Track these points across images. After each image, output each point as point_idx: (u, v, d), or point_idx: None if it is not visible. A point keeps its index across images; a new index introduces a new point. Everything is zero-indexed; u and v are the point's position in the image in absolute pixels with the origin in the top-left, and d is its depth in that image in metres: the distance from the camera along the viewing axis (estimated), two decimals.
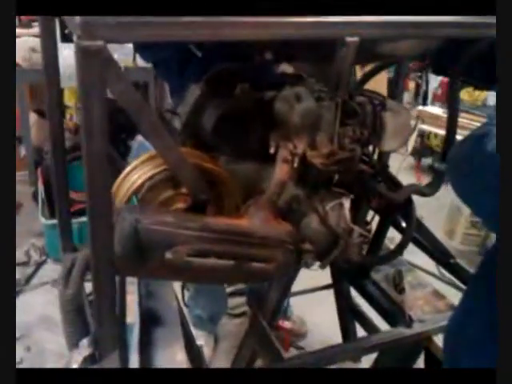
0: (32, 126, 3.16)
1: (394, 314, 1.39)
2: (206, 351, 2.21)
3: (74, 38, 0.66)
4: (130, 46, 2.99)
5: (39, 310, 2.37)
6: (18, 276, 2.57)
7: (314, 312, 2.48)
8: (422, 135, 4.68)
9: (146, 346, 1.18)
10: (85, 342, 0.92)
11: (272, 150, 1.22)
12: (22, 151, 3.22)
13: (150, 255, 0.96)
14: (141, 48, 1.87)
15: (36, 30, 3.11)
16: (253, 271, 1.07)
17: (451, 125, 1.30)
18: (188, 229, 1.00)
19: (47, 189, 2.79)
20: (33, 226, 2.89)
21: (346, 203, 1.25)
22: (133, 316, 1.28)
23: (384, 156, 1.56)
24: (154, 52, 1.83)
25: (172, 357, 1.17)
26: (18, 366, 2.02)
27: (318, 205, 1.21)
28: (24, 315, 2.29)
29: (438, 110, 4.46)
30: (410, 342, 1.34)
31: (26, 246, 2.78)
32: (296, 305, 2.40)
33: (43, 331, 2.29)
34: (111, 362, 0.96)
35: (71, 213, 1.47)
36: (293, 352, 2.25)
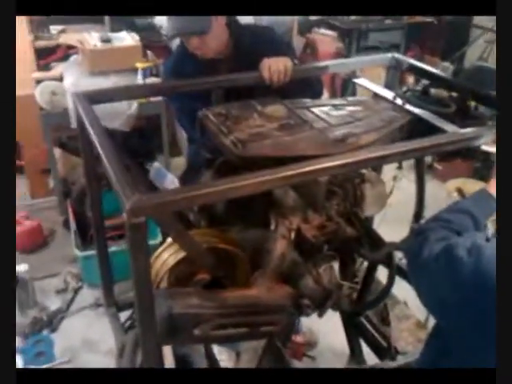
0: (58, 160, 3.45)
1: (382, 347, 1.67)
2: (229, 365, 2.51)
3: (125, 215, 0.93)
4: None
5: (81, 334, 2.68)
6: (58, 303, 2.88)
7: (323, 323, 2.77)
8: None
9: None
10: None
11: (272, 227, 1.50)
12: (51, 182, 3.53)
13: (182, 332, 1.26)
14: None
15: (53, 72, 3.35)
16: (262, 333, 1.36)
17: (420, 196, 1.56)
18: (209, 308, 1.29)
19: (77, 219, 3.09)
20: (67, 252, 3.19)
21: (336, 264, 1.53)
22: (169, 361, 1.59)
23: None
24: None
25: None
26: None
27: (312, 268, 1.49)
28: (69, 340, 2.62)
29: None
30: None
31: (63, 274, 3.10)
32: (305, 318, 2.68)
33: (88, 353, 2.62)
34: None
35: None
36: (305, 361, 2.55)
